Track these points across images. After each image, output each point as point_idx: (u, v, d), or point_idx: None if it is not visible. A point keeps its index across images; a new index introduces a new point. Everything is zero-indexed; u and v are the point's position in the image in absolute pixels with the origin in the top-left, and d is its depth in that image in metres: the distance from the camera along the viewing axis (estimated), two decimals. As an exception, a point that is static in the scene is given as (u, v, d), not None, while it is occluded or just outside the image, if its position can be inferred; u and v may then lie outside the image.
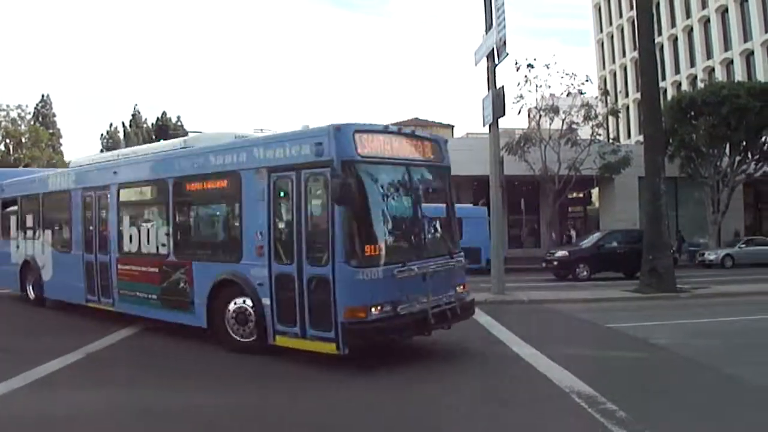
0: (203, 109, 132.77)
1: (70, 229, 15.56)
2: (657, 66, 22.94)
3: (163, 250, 12.55)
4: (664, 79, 56.74)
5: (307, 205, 9.90)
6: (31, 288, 17.14)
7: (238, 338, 10.82)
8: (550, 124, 43.20)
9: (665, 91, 55.35)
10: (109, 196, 14.03)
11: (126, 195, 13.84)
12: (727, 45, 53.76)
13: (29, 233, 17.18)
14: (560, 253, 29.28)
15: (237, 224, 11.26)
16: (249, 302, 10.60)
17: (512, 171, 31.69)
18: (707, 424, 7.26)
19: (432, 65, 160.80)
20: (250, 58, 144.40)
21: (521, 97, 38.68)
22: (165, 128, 70.48)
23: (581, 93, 40.98)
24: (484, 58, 20.19)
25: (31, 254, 16.98)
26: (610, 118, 55.18)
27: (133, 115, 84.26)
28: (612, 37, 71.79)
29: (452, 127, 73.20)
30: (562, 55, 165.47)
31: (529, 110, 41.70)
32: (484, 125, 19.90)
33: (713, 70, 54.24)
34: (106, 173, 14.30)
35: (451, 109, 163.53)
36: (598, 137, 38.54)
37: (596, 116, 41.60)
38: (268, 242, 10.25)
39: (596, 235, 30.84)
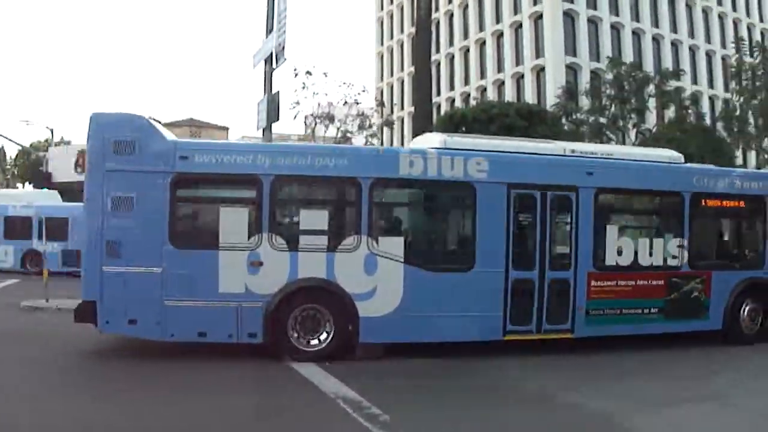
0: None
1: (470, 237, 11.47)
2: (431, 81, 23.61)
3: (673, 262, 12.35)
4: (438, 94, 58.92)
5: None
6: (293, 333, 10.48)
7: (747, 332, 12.84)
8: (326, 132, 43.55)
9: (439, 106, 57.25)
10: (577, 198, 11.68)
11: (609, 201, 12.73)
12: (500, 67, 56.67)
13: (308, 241, 10.66)
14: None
15: (755, 238, 13.37)
16: (759, 303, 12.90)
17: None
18: (470, 424, 7.61)
19: (209, 64, 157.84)
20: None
21: (298, 103, 38.81)
22: None
23: (357, 103, 41.86)
24: (263, 62, 19.97)
25: (319, 276, 10.62)
26: (385, 128, 56.84)
27: None
28: (392, 51, 73.82)
29: (227, 129, 72.20)
30: (350, 66, 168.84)
31: (306, 117, 41.92)
32: (258, 129, 19.49)
33: (485, 89, 56.88)
34: (571, 171, 11.84)
35: (227, 110, 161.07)
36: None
37: (370, 126, 42.48)
38: None
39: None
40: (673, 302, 12.20)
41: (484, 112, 35.91)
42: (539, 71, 52.48)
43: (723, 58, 57.75)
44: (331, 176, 10.90)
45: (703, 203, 12.72)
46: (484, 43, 59.17)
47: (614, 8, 55.54)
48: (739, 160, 45.00)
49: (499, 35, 57.44)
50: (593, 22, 53.94)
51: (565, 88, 40.31)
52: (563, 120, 37.08)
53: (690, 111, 41.06)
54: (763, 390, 9.75)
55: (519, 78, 54.48)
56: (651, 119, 41.15)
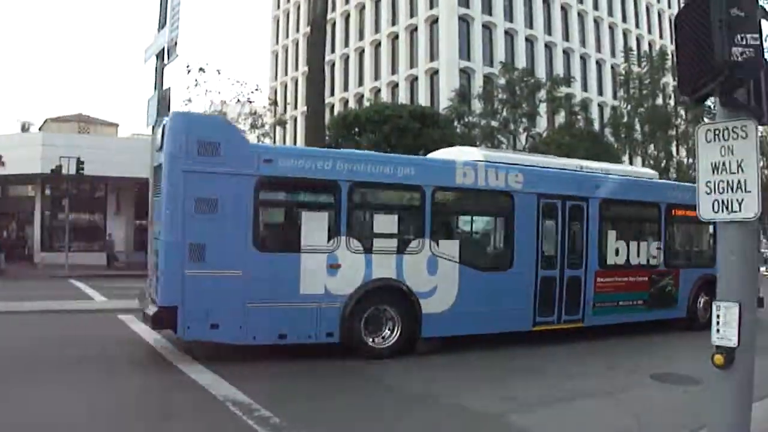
0: None
1: (509, 240, 13.18)
2: (325, 81, 23.57)
3: (653, 261, 15.05)
4: (332, 94, 58.68)
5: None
6: (364, 331, 11.08)
7: (702, 320, 15.07)
8: (217, 130, 42.76)
9: (333, 106, 57.21)
10: (588, 207, 13.97)
11: (610, 209, 14.60)
12: (394, 69, 56.80)
13: (381, 244, 11.45)
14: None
15: (707, 241, 16.52)
16: (710, 296, 13.70)
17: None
18: (360, 424, 7.91)
19: (98, 59, 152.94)
20: None
21: (190, 100, 38.19)
22: None
23: (250, 101, 41.35)
24: (154, 57, 19.71)
25: (390, 277, 11.43)
26: (278, 128, 56.16)
27: None
28: (287, 49, 73.16)
29: (117, 125, 70.63)
30: (244, 64, 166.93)
31: (198, 115, 41.23)
32: (147, 126, 19.08)
33: (379, 90, 56.95)
34: (585, 184, 14.15)
35: (117, 107, 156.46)
36: (263, 147, 39.03)
37: (263, 125, 41.95)
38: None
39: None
40: (653, 295, 14.97)
41: (377, 113, 35.84)
42: (433, 74, 52.84)
43: (612, 67, 59.81)
44: (400, 183, 11.77)
45: (673, 212, 15.46)
46: (379, 44, 59.17)
47: (509, 15, 56.60)
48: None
49: (395, 37, 57.56)
50: (488, 28, 54.73)
51: (458, 91, 40.61)
52: (456, 123, 37.32)
53: (579, 117, 42.15)
54: (640, 386, 10.12)
55: (413, 80, 54.69)
56: (542, 124, 42.01)
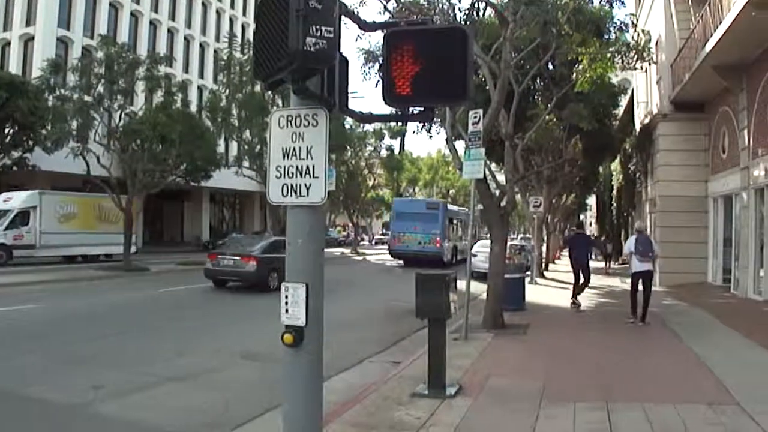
0: None
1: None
2: None
3: (457, 241, 52.72)
4: None
5: None
6: (451, 259, 48.56)
7: (445, 261, 48.61)
8: None
9: None
10: (459, 219, 53.39)
11: (455, 220, 53.15)
12: (-14, 31, 53.21)
13: (456, 236, 51.44)
14: None
15: (460, 232, 54.45)
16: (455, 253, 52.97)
17: None
18: None
19: None
20: None
21: None
22: None
23: None
24: None
25: (459, 245, 49.64)
26: None
27: None
28: None
29: None
30: None
31: None
32: None
33: (-31, 53, 52.72)
34: (460, 213, 53.26)
35: None
36: None
37: None
38: None
39: None
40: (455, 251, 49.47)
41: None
42: (28, 40, 50.47)
43: (216, 51, 61.57)
44: (450, 217, 51.51)
45: (452, 219, 49.94)
46: (-30, 1, 54.92)
47: (116, -14, 55.72)
48: (221, 149, 49.43)
49: (-11, -3, 53.82)
50: (92, -3, 53.45)
51: (51, 61, 39.60)
52: (47, 95, 36.92)
53: (177, 98, 43.37)
54: (231, 365, 11.23)
55: (5, 45, 51.68)
56: (139, 102, 42.86)
